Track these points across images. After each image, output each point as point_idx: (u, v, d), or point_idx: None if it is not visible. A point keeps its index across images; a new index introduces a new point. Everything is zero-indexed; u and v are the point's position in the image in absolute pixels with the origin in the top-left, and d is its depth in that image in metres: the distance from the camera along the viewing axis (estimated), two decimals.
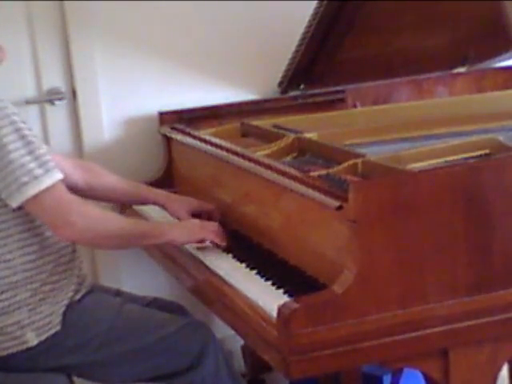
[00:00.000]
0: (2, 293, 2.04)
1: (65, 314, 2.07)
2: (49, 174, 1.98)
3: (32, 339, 2.04)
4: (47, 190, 1.97)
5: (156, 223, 2.33)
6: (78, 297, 2.12)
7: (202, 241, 2.22)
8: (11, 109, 1.99)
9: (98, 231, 2.05)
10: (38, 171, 1.96)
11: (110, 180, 2.44)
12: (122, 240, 2.12)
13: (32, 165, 1.96)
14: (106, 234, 2.07)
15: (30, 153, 1.97)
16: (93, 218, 2.04)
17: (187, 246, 2.28)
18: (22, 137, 1.97)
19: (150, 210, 2.56)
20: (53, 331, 2.05)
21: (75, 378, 2.20)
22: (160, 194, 2.47)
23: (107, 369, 2.12)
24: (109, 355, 2.10)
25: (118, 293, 2.33)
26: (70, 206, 2.00)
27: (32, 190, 1.96)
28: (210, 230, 2.21)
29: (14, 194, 1.97)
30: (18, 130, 1.96)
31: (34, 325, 2.04)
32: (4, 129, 1.95)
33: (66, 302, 2.08)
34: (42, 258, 2.07)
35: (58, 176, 2.00)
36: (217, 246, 2.21)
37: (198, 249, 2.24)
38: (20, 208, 2.01)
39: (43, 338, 2.04)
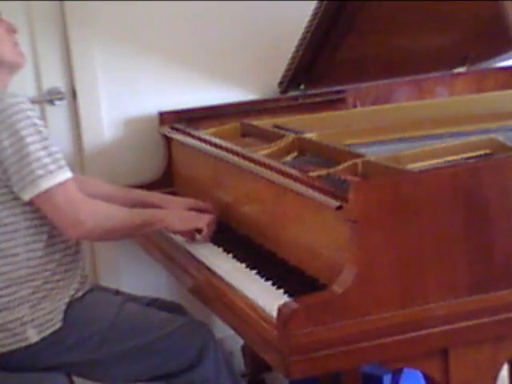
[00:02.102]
0: (5, 288, 2.05)
1: (66, 311, 2.08)
2: (61, 170, 2.03)
3: (33, 336, 2.04)
4: (60, 185, 2.01)
5: (153, 211, 2.35)
6: (79, 294, 2.13)
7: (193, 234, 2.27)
8: (28, 105, 2.04)
9: (105, 228, 2.10)
10: (52, 166, 2.01)
11: (105, 189, 2.46)
12: (125, 232, 2.20)
13: (47, 160, 2.00)
14: (112, 230, 2.13)
15: (45, 148, 2.01)
16: (100, 217, 2.09)
17: (187, 247, 2.28)
18: (39, 132, 2.01)
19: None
20: (54, 328, 2.06)
21: (75, 378, 2.20)
22: (156, 196, 2.48)
23: (107, 367, 2.13)
24: (109, 353, 2.10)
25: (117, 293, 2.33)
26: (79, 205, 2.05)
27: (46, 184, 2.00)
28: (204, 220, 2.24)
29: (27, 186, 2.00)
30: (34, 124, 2.01)
31: (35, 321, 2.05)
32: (21, 122, 1.99)
33: (67, 299, 2.09)
34: (46, 255, 2.08)
35: (69, 174, 2.05)
36: (203, 234, 2.25)
37: (187, 241, 2.29)
38: (30, 203, 2.04)
39: (44, 335, 2.05)
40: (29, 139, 1.99)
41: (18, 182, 2.00)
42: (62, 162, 2.04)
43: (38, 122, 2.03)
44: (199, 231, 2.27)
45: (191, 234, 2.30)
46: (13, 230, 2.05)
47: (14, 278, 2.05)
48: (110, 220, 2.11)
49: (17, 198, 2.03)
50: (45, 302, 2.06)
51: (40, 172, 1.99)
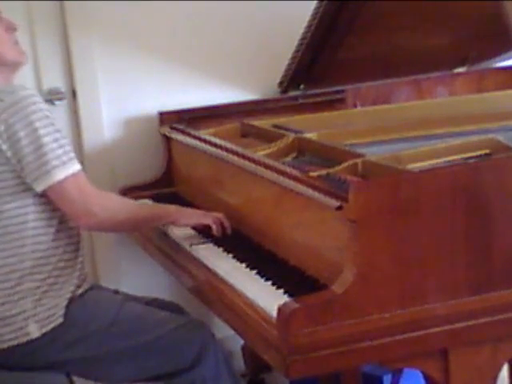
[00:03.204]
0: (8, 280, 2.06)
1: (67, 307, 2.09)
2: (72, 162, 2.07)
3: (34, 331, 2.05)
4: (72, 176, 2.05)
5: (163, 206, 2.40)
6: (80, 291, 2.14)
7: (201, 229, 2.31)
8: (39, 98, 2.08)
9: (116, 220, 2.16)
10: (65, 158, 2.05)
11: None
12: (134, 225, 2.29)
13: (59, 151, 2.04)
14: (122, 222, 2.18)
15: (57, 140, 2.05)
16: (112, 209, 2.14)
17: (187, 246, 2.29)
18: (51, 124, 2.05)
19: None
20: (55, 323, 2.07)
21: (75, 378, 2.20)
22: None
23: (107, 366, 2.13)
24: (109, 351, 2.11)
25: (116, 293, 2.33)
26: (91, 197, 2.09)
27: (60, 174, 2.03)
28: (211, 217, 2.27)
29: (41, 177, 2.03)
30: (47, 117, 2.05)
31: (37, 316, 2.06)
32: (35, 114, 2.03)
33: (68, 295, 2.10)
34: (50, 249, 2.10)
35: (79, 166, 2.09)
36: (210, 233, 2.26)
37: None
38: (41, 195, 2.06)
39: (45, 330, 2.06)
40: (43, 131, 2.02)
41: (32, 172, 2.03)
42: (72, 154, 2.08)
43: (49, 114, 2.06)
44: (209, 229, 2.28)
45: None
46: (21, 221, 2.07)
47: (18, 270, 2.06)
48: (120, 213, 2.16)
49: (27, 190, 2.06)
50: (47, 297, 2.07)
51: (55, 163, 2.03)
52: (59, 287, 2.10)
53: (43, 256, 2.09)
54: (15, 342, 2.06)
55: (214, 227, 2.25)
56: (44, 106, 2.06)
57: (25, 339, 2.05)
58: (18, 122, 2.01)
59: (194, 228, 2.37)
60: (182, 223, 2.30)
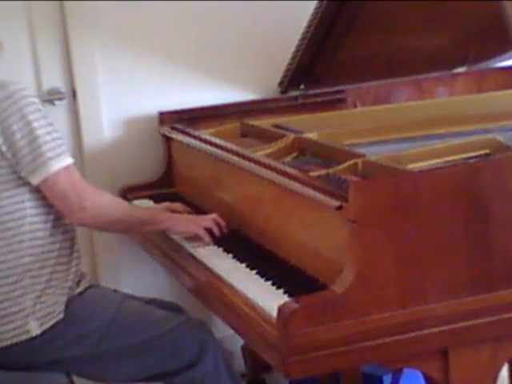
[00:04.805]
0: (8, 276, 2.06)
1: (67, 304, 2.09)
2: (66, 154, 2.08)
3: (35, 328, 2.05)
4: (65, 169, 2.07)
5: (157, 212, 2.40)
6: (79, 290, 2.15)
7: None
8: (30, 91, 2.09)
9: (107, 218, 2.16)
10: (58, 150, 2.06)
11: None
12: (126, 226, 2.27)
13: (53, 144, 2.06)
14: (114, 221, 2.19)
15: (50, 133, 2.06)
16: (103, 206, 2.15)
17: (187, 246, 2.29)
18: (44, 117, 2.07)
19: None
20: (56, 320, 2.07)
21: (75, 378, 2.20)
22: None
23: (106, 364, 2.13)
24: (109, 349, 2.11)
25: (115, 292, 2.33)
26: (82, 193, 2.10)
27: (55, 166, 2.05)
28: (202, 226, 2.26)
29: (37, 169, 2.04)
30: (39, 110, 2.07)
31: (37, 314, 2.06)
32: (28, 107, 2.04)
33: (66, 291, 2.10)
34: (47, 244, 2.11)
35: (71, 160, 2.10)
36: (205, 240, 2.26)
37: (186, 239, 2.31)
38: (37, 191, 2.07)
39: (46, 327, 2.06)
40: (36, 124, 2.03)
41: (28, 165, 2.04)
42: (65, 148, 2.09)
43: (41, 107, 2.08)
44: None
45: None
46: (19, 217, 2.07)
47: (18, 266, 2.07)
48: (111, 212, 2.17)
49: (24, 185, 2.07)
50: (46, 294, 2.07)
51: (49, 154, 2.04)
52: (57, 283, 2.10)
53: (42, 252, 2.09)
54: (15, 340, 2.06)
55: (205, 239, 2.25)
56: (35, 99, 2.07)
57: (25, 337, 2.06)
58: (12, 115, 2.02)
59: None
60: (175, 232, 2.32)
